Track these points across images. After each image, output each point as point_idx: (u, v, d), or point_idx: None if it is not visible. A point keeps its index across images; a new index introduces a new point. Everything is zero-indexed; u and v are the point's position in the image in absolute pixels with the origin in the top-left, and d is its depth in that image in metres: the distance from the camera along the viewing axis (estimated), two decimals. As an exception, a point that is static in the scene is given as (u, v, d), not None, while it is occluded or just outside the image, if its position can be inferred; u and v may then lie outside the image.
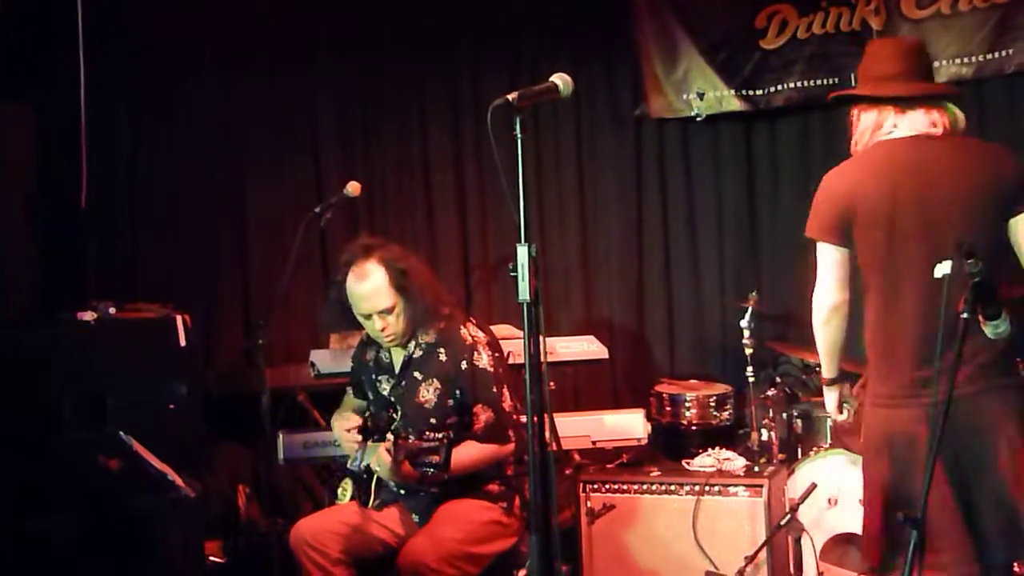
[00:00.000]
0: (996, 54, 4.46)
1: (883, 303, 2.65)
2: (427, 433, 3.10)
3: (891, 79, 2.69)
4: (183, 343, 3.88)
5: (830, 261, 2.74)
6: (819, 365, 4.24)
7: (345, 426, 3.39)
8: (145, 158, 4.92)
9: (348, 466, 3.42)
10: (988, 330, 2.24)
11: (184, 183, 5.00)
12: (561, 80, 2.35)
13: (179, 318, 3.90)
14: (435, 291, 3.37)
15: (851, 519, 3.63)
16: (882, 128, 2.70)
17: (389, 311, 3.26)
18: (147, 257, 4.91)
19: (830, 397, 2.99)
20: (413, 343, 3.37)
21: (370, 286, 3.24)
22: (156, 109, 4.90)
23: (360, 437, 3.38)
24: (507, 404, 3.32)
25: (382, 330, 3.29)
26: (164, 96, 4.90)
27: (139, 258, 4.90)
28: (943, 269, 2.23)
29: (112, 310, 3.81)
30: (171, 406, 3.82)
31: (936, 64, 4.53)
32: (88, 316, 3.75)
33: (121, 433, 3.34)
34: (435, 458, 2.96)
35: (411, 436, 3.11)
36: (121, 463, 3.38)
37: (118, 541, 3.49)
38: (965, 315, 2.17)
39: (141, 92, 4.90)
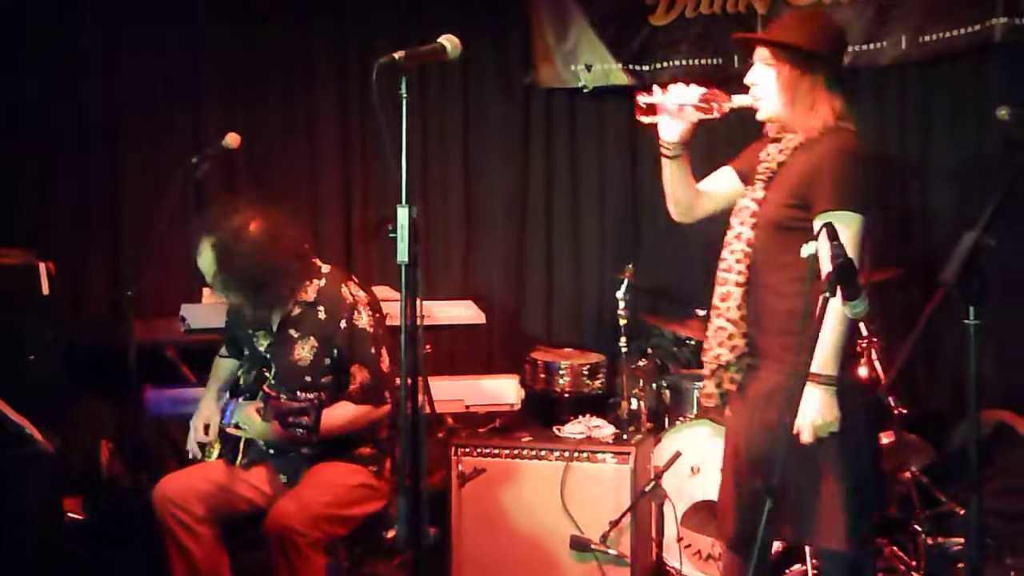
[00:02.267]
0: (871, 45, 4.61)
1: None
2: (299, 393, 3.05)
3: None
4: (46, 291, 3.74)
5: None
6: (689, 338, 4.42)
7: (199, 426, 3.39)
8: (13, 99, 4.69)
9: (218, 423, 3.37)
10: (847, 310, 2.33)
11: (57, 129, 4.79)
12: (449, 42, 2.35)
13: (42, 265, 3.75)
14: (279, 265, 3.21)
15: (712, 487, 3.74)
16: None
17: (221, 289, 3.25)
18: (11, 201, 4.70)
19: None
20: (292, 301, 3.32)
21: (202, 267, 3.24)
22: (28, 50, 4.67)
23: (210, 438, 3.35)
24: (385, 365, 3.30)
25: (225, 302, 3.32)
26: (39, 38, 4.67)
27: (6, 204, 4.69)
28: (809, 249, 2.31)
29: (-31, 255, 3.65)
30: (31, 357, 3.68)
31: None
32: (-57, 260, 3.58)
33: (-24, 383, 3.21)
34: (305, 419, 2.94)
35: (282, 396, 3.06)
36: (-25, 414, 3.26)
37: (-30, 494, 3.37)
38: (826, 294, 2.25)
39: (12, 32, 4.66)
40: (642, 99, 2.74)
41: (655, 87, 2.74)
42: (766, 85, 2.68)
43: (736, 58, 4.80)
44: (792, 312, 2.58)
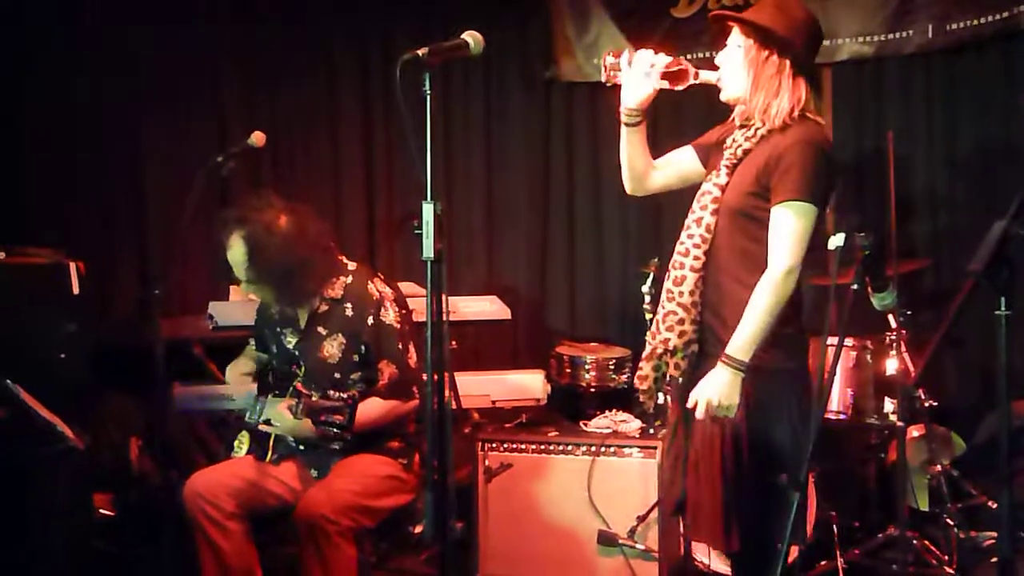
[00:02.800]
0: (896, 34, 4.58)
1: None
2: (331, 391, 3.05)
3: None
4: (76, 290, 3.77)
5: None
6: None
7: (239, 371, 3.39)
8: (39, 100, 4.74)
9: (246, 419, 3.38)
10: (875, 301, 2.32)
11: (82, 129, 4.84)
12: (472, 38, 2.34)
13: (72, 265, 3.79)
14: (308, 258, 3.26)
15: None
16: None
17: (250, 282, 3.28)
18: (41, 202, 4.76)
19: None
20: (318, 298, 3.34)
21: (232, 259, 3.26)
22: (51, 51, 4.72)
23: (254, 386, 3.36)
24: (412, 361, 3.31)
25: (253, 296, 3.34)
26: (60, 38, 4.72)
27: (32, 203, 4.74)
28: (836, 241, 2.30)
29: (2, 255, 3.69)
30: (61, 355, 3.72)
31: (839, 42, 4.64)
32: (-25, 260, 3.62)
33: (8, 382, 3.24)
34: (339, 418, 2.94)
35: (314, 394, 3.07)
36: (7, 412, 3.29)
37: (3, 492, 3.40)
38: (855, 286, 2.24)
39: (34, 33, 4.71)
40: (609, 59, 2.73)
41: (624, 51, 2.74)
42: (733, 65, 2.65)
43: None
44: (745, 300, 2.55)
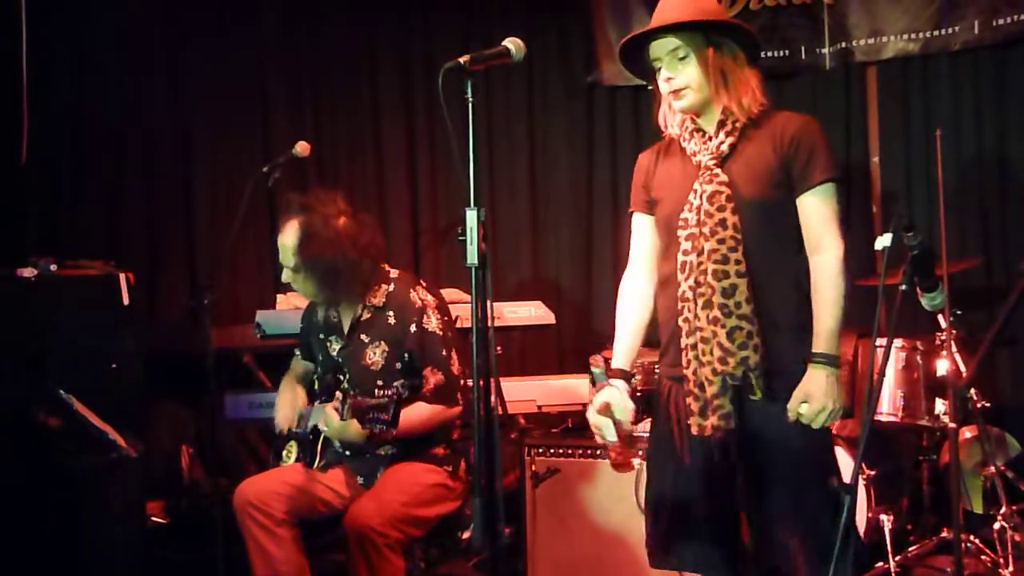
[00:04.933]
0: (943, 31, 4.52)
1: None
2: (376, 392, 3.09)
3: None
4: (126, 301, 3.82)
5: None
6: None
7: (288, 400, 3.45)
8: (89, 113, 4.83)
9: (294, 428, 3.42)
10: (925, 301, 2.29)
11: (129, 139, 4.92)
12: (513, 44, 2.34)
13: (122, 276, 3.84)
14: (355, 262, 3.29)
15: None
16: None
17: (294, 269, 3.32)
18: (90, 214, 4.84)
19: None
20: (361, 306, 3.37)
21: (283, 241, 3.32)
22: (101, 64, 4.81)
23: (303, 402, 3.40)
24: (456, 367, 3.33)
25: (290, 283, 3.37)
26: (109, 52, 4.80)
27: (82, 214, 4.83)
28: (883, 242, 2.27)
29: (53, 267, 3.74)
30: (113, 365, 3.77)
31: (884, 39, 4.60)
32: (28, 272, 3.68)
33: (61, 392, 3.30)
34: (384, 415, 2.96)
35: (359, 395, 3.09)
36: (61, 422, 3.35)
37: (58, 501, 3.46)
38: (903, 287, 2.21)
39: (85, 46, 4.80)
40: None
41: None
42: (686, 75, 2.53)
43: (803, 49, 4.73)
44: (796, 298, 2.50)
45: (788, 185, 2.51)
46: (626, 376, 2.75)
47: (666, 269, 2.63)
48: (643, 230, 2.76)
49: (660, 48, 2.55)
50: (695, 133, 2.62)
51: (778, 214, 2.52)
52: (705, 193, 2.53)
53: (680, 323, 2.55)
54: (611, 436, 2.62)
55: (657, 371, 2.84)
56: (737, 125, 2.55)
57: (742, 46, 2.56)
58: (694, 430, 2.52)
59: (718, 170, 2.54)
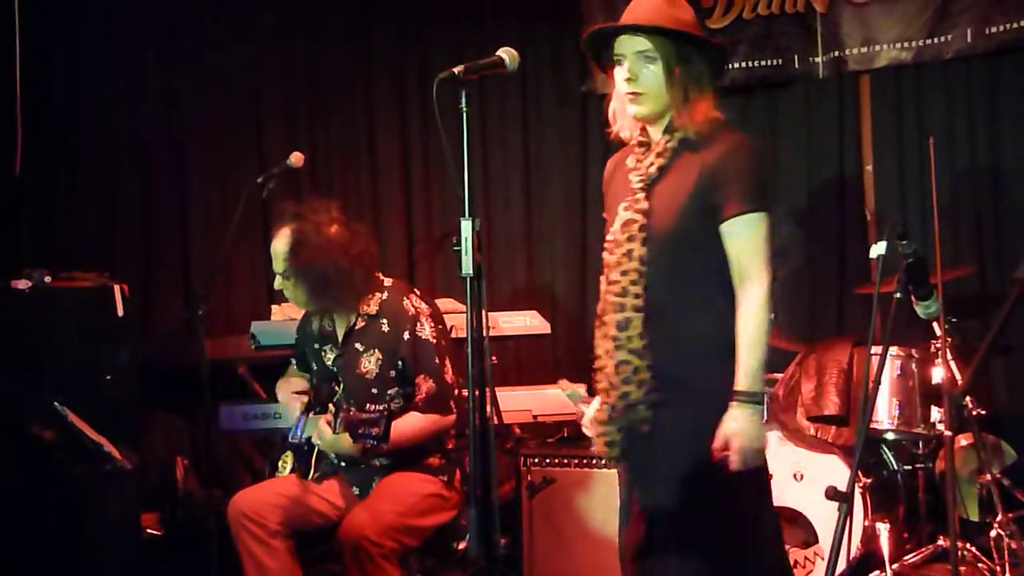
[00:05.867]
0: (935, 39, 4.53)
1: None
2: (369, 405, 3.09)
3: None
4: (120, 312, 3.82)
5: None
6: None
7: (291, 389, 3.40)
8: (82, 125, 4.83)
9: (288, 438, 3.41)
10: (919, 310, 2.29)
11: (123, 151, 4.92)
12: (507, 54, 2.35)
13: (117, 287, 3.84)
14: (346, 271, 3.27)
15: (785, 493, 3.72)
16: None
17: (284, 276, 3.32)
18: (84, 225, 4.83)
19: None
20: (355, 314, 3.37)
21: (275, 248, 3.33)
22: (95, 76, 4.81)
23: (305, 400, 3.39)
24: (449, 376, 3.32)
25: (282, 291, 3.38)
26: (103, 62, 4.81)
27: (76, 226, 4.82)
28: (878, 250, 2.28)
29: (47, 278, 3.74)
30: (108, 376, 3.77)
31: (877, 48, 4.61)
32: (22, 284, 3.68)
33: (56, 403, 3.29)
34: (375, 430, 2.96)
35: (352, 408, 3.10)
36: (55, 433, 3.34)
37: (52, 513, 3.45)
38: (898, 295, 2.21)
39: (79, 58, 4.80)
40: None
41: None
42: (649, 81, 2.42)
43: (796, 58, 4.75)
44: (709, 334, 2.39)
45: (709, 214, 2.39)
46: None
47: None
48: None
49: (628, 45, 2.44)
50: (639, 147, 2.53)
51: (695, 245, 2.40)
52: (622, 220, 2.46)
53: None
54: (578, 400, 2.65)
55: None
56: (670, 146, 2.45)
57: (709, 62, 2.47)
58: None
59: (641, 195, 2.45)
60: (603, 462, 3.86)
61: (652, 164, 2.44)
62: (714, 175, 2.36)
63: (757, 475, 2.40)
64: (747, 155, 2.39)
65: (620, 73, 2.44)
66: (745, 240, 2.35)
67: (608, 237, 2.49)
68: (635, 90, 2.41)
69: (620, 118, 2.54)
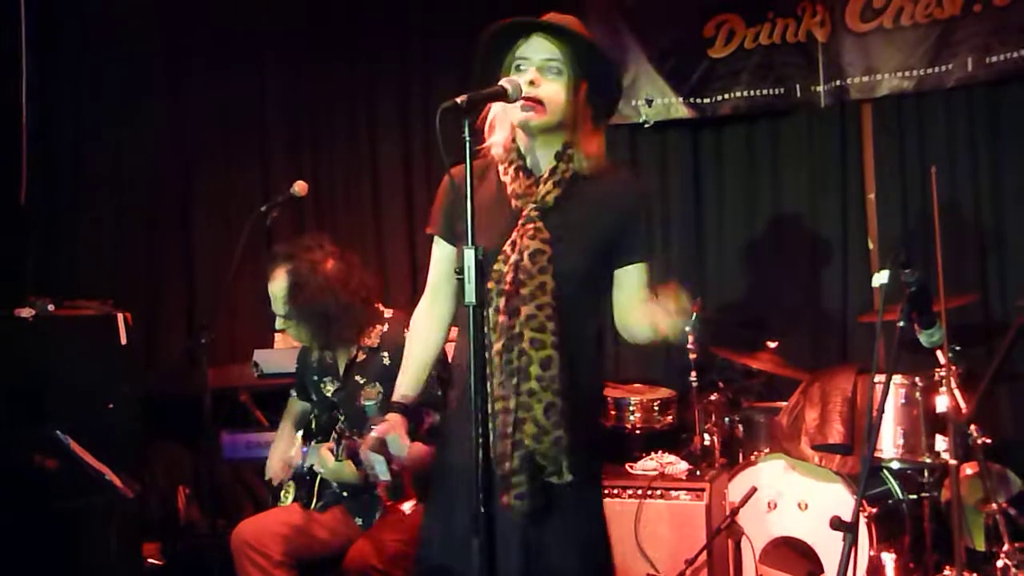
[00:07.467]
0: (936, 68, 4.55)
1: None
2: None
3: None
4: (124, 341, 3.83)
5: None
6: (760, 371, 4.35)
7: (281, 459, 3.44)
8: (88, 153, 4.86)
9: (285, 480, 3.41)
10: (923, 338, 2.28)
11: (128, 180, 4.95)
12: (510, 84, 2.36)
13: (120, 316, 3.85)
14: (347, 305, 3.27)
15: (790, 523, 3.70)
16: None
17: (285, 317, 3.31)
18: (88, 254, 4.86)
19: None
20: (356, 347, 3.36)
21: (273, 291, 3.31)
22: (100, 104, 4.85)
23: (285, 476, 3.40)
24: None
25: (284, 331, 3.37)
26: (109, 92, 4.84)
27: (80, 255, 4.84)
28: (881, 279, 2.28)
29: (51, 307, 3.75)
30: (110, 405, 3.77)
31: (878, 77, 4.63)
32: (26, 313, 3.68)
33: (58, 432, 3.28)
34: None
35: (355, 436, 3.09)
36: (58, 462, 3.33)
37: (54, 541, 3.44)
38: (901, 323, 2.21)
39: (85, 87, 4.84)
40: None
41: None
42: (554, 91, 2.31)
43: (798, 87, 4.77)
44: (600, 376, 2.42)
45: (612, 254, 2.38)
46: (404, 410, 2.54)
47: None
48: (445, 258, 2.59)
49: (536, 50, 2.32)
50: (520, 172, 2.38)
51: (595, 282, 2.38)
52: (527, 250, 2.30)
53: None
54: (383, 474, 2.52)
55: (446, 409, 2.64)
56: (566, 176, 2.35)
57: (609, 97, 2.42)
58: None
59: (541, 224, 2.32)
60: (606, 491, 3.85)
61: (549, 192, 2.33)
62: (632, 218, 2.37)
63: None
64: (647, 201, 2.40)
65: (523, 75, 2.31)
66: (642, 283, 2.37)
67: (495, 266, 2.32)
68: (535, 95, 2.29)
69: (500, 129, 2.41)
